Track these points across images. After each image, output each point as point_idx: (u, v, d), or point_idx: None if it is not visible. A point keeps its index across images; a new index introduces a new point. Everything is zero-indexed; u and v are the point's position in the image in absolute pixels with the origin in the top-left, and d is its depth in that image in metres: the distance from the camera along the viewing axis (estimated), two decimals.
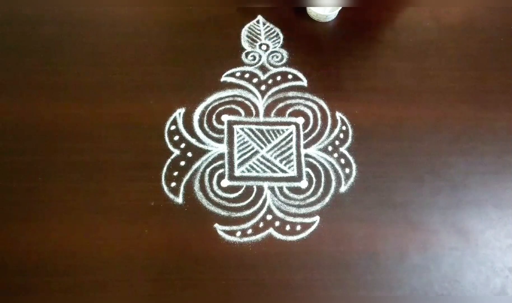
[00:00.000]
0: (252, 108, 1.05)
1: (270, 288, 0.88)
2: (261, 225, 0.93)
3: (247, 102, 1.06)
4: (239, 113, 1.05)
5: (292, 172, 0.99)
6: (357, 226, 0.93)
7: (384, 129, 1.03)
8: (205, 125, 1.03)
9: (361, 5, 1.16)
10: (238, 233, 0.92)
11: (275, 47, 1.13)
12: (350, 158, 1.00)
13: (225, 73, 1.09)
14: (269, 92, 1.07)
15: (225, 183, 0.97)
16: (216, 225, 0.93)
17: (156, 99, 1.06)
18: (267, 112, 1.05)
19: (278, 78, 1.09)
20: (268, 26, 1.17)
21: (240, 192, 0.96)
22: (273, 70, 1.10)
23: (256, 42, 1.14)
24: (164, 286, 0.88)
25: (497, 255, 0.92)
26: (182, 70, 1.10)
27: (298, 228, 0.93)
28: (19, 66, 1.10)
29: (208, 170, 0.98)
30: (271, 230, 0.93)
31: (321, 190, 0.97)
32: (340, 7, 1.12)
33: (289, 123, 1.04)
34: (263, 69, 1.10)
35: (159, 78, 1.09)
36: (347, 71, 1.10)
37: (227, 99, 1.06)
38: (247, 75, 1.09)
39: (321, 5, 1.13)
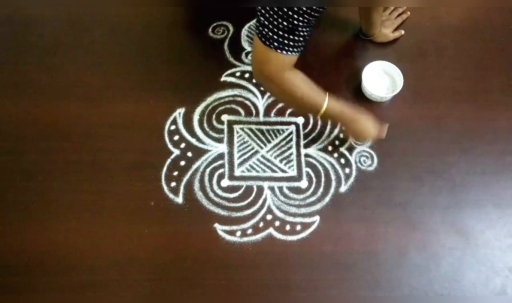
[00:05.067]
0: (252, 108, 1.05)
1: (270, 287, 0.88)
2: (261, 224, 0.93)
3: (247, 102, 1.06)
4: (239, 113, 1.05)
5: (292, 172, 0.99)
6: (357, 226, 0.93)
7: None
8: (205, 125, 1.03)
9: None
10: (238, 233, 0.92)
11: None
12: (350, 158, 1.00)
13: (225, 73, 1.09)
14: None
15: (225, 182, 0.97)
16: (216, 225, 0.93)
17: (156, 99, 1.06)
18: (267, 112, 1.05)
19: None
20: None
21: (240, 192, 0.96)
22: None
23: None
24: (164, 286, 0.88)
25: (497, 255, 0.92)
26: (182, 70, 1.10)
27: (298, 227, 0.93)
28: (19, 66, 1.10)
29: (208, 170, 0.98)
30: (271, 230, 0.93)
31: (321, 189, 0.97)
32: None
33: (289, 123, 1.04)
34: None
35: (159, 78, 1.09)
36: (347, 72, 1.10)
37: (227, 99, 1.06)
38: (247, 75, 1.09)
39: None
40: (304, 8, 0.69)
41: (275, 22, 0.72)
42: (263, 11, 0.72)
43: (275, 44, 0.75)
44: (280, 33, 0.73)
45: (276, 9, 0.70)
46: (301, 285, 0.88)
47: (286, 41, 0.74)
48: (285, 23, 0.71)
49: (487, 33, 1.17)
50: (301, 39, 0.76)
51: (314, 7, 0.70)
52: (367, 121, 0.91)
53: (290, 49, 0.76)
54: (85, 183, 0.96)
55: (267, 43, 0.75)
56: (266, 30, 0.74)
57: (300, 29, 0.73)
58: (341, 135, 1.02)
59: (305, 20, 0.72)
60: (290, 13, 0.70)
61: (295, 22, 0.71)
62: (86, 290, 0.87)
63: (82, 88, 1.07)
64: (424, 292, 0.88)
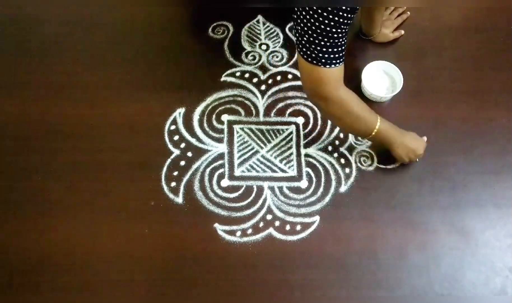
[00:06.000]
0: (252, 108, 1.05)
1: (270, 287, 0.88)
2: (261, 224, 0.93)
3: (247, 102, 1.06)
4: (239, 113, 1.05)
5: (292, 172, 0.99)
6: (357, 226, 0.93)
7: None
8: (205, 125, 1.03)
9: None
10: (238, 233, 0.92)
11: (275, 47, 1.13)
12: (350, 158, 1.00)
13: (225, 73, 1.09)
14: (269, 92, 1.07)
15: (225, 182, 0.97)
16: (216, 225, 0.93)
17: (156, 99, 1.06)
18: (267, 112, 1.05)
19: (278, 78, 1.09)
20: (268, 26, 1.17)
21: (240, 192, 0.96)
22: (273, 70, 1.10)
23: (256, 42, 1.14)
24: (164, 286, 0.88)
25: (497, 254, 0.92)
26: (182, 70, 1.10)
27: (298, 227, 0.93)
28: (19, 66, 1.10)
29: (208, 170, 0.98)
30: (271, 230, 0.93)
31: (321, 189, 0.97)
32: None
33: (289, 123, 1.04)
34: (263, 69, 1.10)
35: (159, 78, 1.09)
36: (347, 71, 1.10)
37: (227, 99, 1.06)
38: (247, 75, 1.09)
39: None
40: (339, 19, 0.69)
41: (316, 41, 0.73)
42: (302, 32, 0.73)
43: (323, 60, 0.75)
44: (324, 49, 0.74)
45: (314, 28, 0.71)
46: (301, 285, 0.88)
47: (332, 55, 0.75)
48: (325, 39, 0.72)
49: (487, 33, 1.17)
50: (343, 48, 0.77)
51: (347, 14, 0.70)
52: (416, 139, 0.93)
53: (337, 61, 0.77)
54: (85, 183, 0.96)
55: (314, 62, 0.76)
56: (311, 49, 0.74)
57: (340, 39, 0.74)
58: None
59: (343, 31, 0.73)
60: (328, 28, 0.70)
61: (335, 35, 0.72)
62: (86, 290, 0.87)
63: (82, 88, 1.07)
64: (424, 292, 0.88)
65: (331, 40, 0.73)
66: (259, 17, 1.18)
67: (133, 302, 0.87)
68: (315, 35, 0.72)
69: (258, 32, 1.16)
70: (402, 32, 1.14)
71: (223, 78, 1.09)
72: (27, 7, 1.19)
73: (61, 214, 0.93)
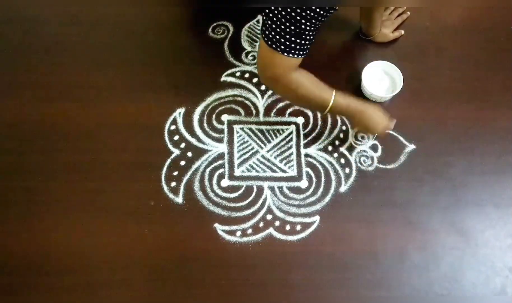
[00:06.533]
0: (252, 108, 1.05)
1: (270, 287, 0.88)
2: (261, 224, 0.93)
3: (247, 102, 1.06)
4: (239, 113, 1.05)
5: (292, 172, 0.99)
6: (357, 226, 0.93)
7: None
8: (205, 125, 1.03)
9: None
10: (238, 233, 0.92)
11: None
12: (350, 158, 1.00)
13: (225, 73, 1.09)
14: (269, 92, 1.07)
15: (225, 182, 0.97)
16: (216, 225, 0.93)
17: (156, 99, 1.06)
18: (267, 112, 1.05)
19: None
20: None
21: (240, 192, 0.96)
22: None
23: (256, 42, 1.14)
24: (164, 286, 0.88)
25: (497, 254, 0.92)
26: (182, 70, 1.10)
27: (298, 227, 0.93)
28: (19, 66, 1.10)
29: (208, 170, 0.98)
30: (271, 230, 0.93)
31: (321, 189, 0.97)
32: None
33: (289, 123, 1.04)
34: None
35: (159, 78, 1.09)
36: (347, 72, 1.10)
37: (227, 99, 1.06)
38: (247, 75, 1.09)
39: None
40: (312, 13, 0.69)
41: (282, 26, 0.72)
42: (270, 15, 0.72)
43: (282, 47, 0.75)
44: (287, 36, 0.73)
45: (284, 13, 0.70)
46: (301, 285, 0.88)
47: (293, 45, 0.75)
48: (292, 27, 0.72)
49: (487, 33, 1.17)
50: (307, 42, 0.76)
51: (322, 12, 0.70)
52: (375, 113, 0.91)
53: (297, 52, 0.76)
54: (85, 183, 0.96)
55: (274, 46, 0.75)
56: (273, 33, 0.74)
57: (307, 33, 0.73)
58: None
59: (312, 25, 0.72)
60: (298, 17, 0.70)
61: (303, 26, 0.71)
62: (86, 290, 0.87)
63: (82, 88, 1.07)
64: (424, 292, 0.88)
65: (297, 30, 0.72)
66: (259, 17, 1.18)
67: (133, 302, 0.87)
68: (283, 20, 0.71)
69: (258, 32, 1.16)
70: (402, 32, 1.14)
71: (223, 78, 1.09)
72: (27, 7, 1.19)
73: (61, 214, 0.93)
